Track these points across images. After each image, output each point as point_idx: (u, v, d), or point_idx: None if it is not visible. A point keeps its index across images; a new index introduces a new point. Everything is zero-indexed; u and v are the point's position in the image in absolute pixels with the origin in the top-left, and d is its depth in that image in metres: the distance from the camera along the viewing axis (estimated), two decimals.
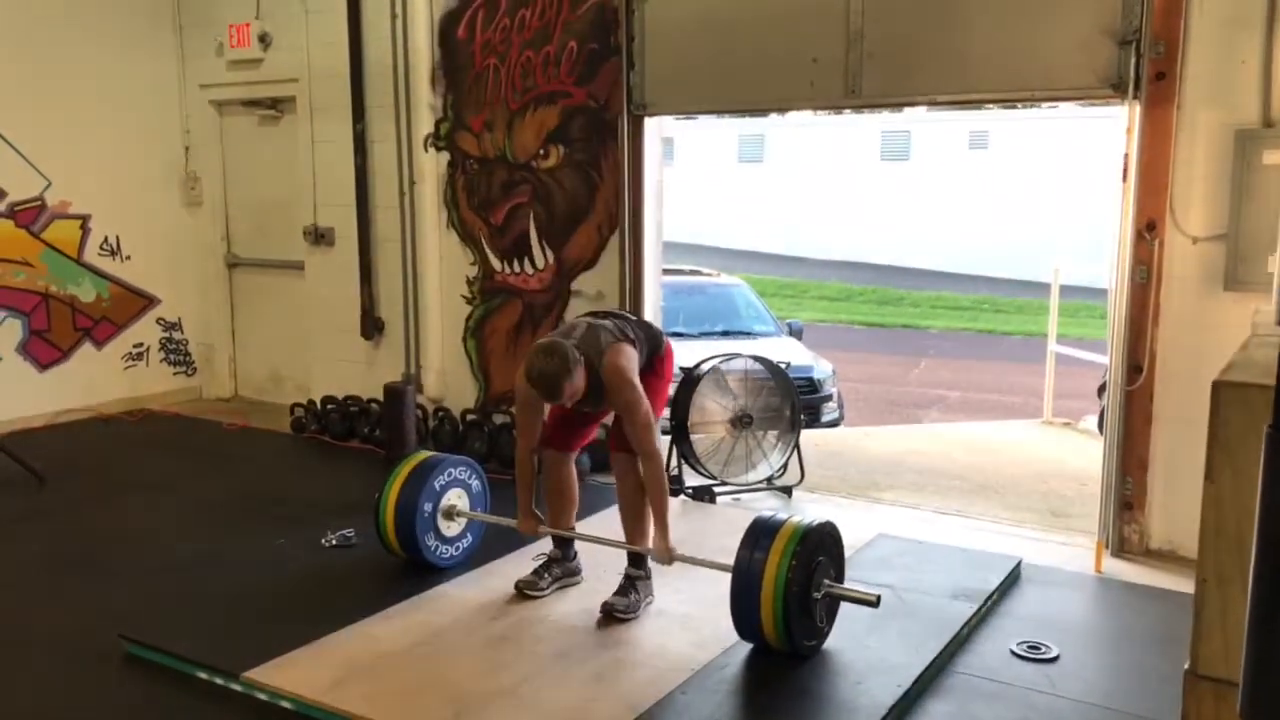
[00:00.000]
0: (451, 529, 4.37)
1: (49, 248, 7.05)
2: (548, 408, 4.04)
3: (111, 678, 3.58)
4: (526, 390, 3.84)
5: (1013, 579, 4.34)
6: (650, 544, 3.92)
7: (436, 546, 4.31)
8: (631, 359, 3.85)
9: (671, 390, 5.71)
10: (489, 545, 4.49)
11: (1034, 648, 3.71)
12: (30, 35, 6.79)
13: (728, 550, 3.60)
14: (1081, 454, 6.53)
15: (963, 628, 3.82)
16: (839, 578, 3.70)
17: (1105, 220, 4.94)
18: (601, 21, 5.80)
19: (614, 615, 3.84)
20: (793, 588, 3.40)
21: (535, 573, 4.13)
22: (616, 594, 3.93)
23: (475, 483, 4.49)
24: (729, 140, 24.94)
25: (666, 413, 5.78)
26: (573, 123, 6.00)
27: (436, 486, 4.30)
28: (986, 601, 4.05)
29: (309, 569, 4.46)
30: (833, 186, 23.36)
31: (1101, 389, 6.91)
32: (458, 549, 4.41)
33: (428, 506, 4.25)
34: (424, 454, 4.49)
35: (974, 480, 6.03)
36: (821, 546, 3.58)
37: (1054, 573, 4.49)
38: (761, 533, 3.55)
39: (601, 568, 4.25)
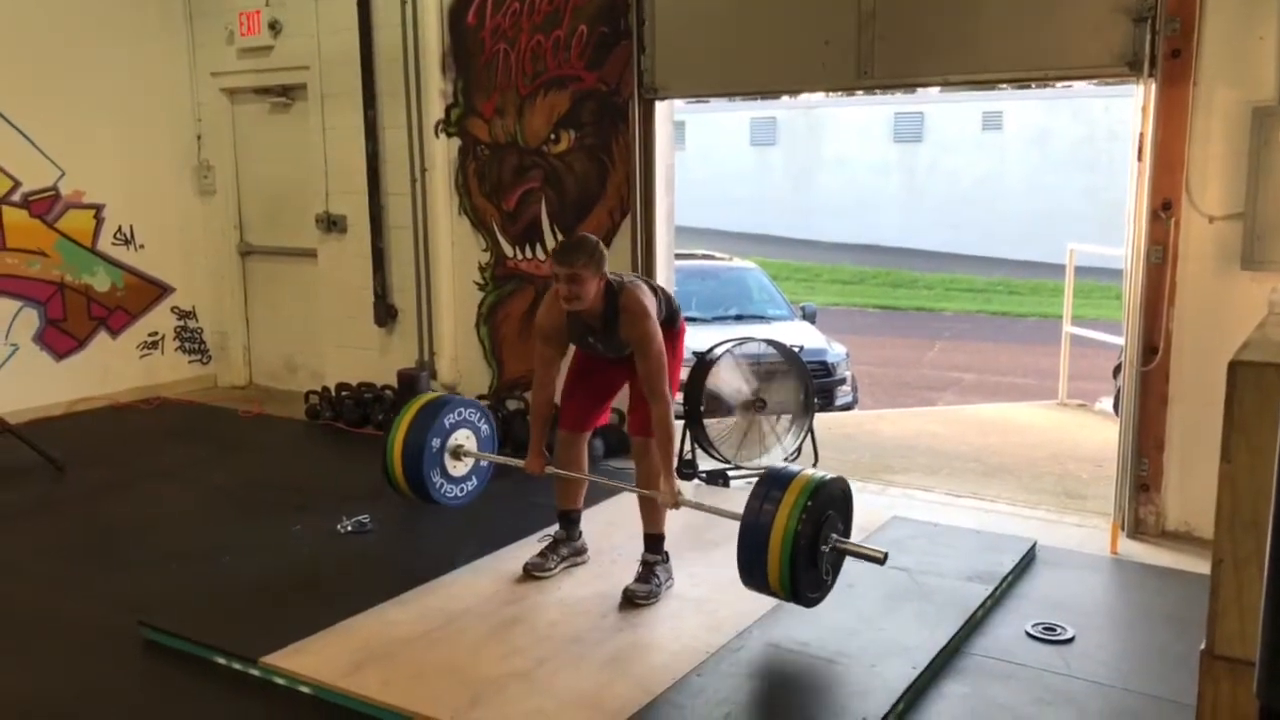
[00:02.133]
0: (458, 469, 4.40)
1: (63, 237, 7.09)
2: (571, 354, 4.10)
3: (131, 664, 3.61)
4: (546, 319, 3.94)
5: (1028, 561, 4.33)
6: (662, 495, 3.88)
7: (441, 484, 4.34)
8: (652, 301, 3.88)
9: (684, 374, 5.74)
10: (497, 532, 4.49)
11: (1049, 629, 3.70)
12: (42, 26, 6.81)
13: None
14: (1097, 435, 6.51)
15: (978, 609, 3.82)
16: (846, 533, 3.65)
17: (1121, 200, 4.90)
18: (612, 5, 5.77)
19: (635, 601, 3.85)
20: (801, 539, 3.35)
21: (542, 554, 4.16)
22: (638, 580, 3.94)
23: (484, 426, 4.49)
24: (741, 123, 24.82)
25: (680, 396, 5.81)
26: (583, 107, 5.99)
27: (446, 424, 4.32)
28: (1001, 583, 4.05)
29: (325, 555, 4.48)
30: (845, 169, 23.25)
31: (1117, 370, 6.88)
32: (462, 490, 4.43)
33: (436, 442, 4.27)
34: (434, 393, 4.51)
35: (988, 462, 6.01)
36: (832, 501, 3.52)
37: (1069, 554, 4.48)
38: (773, 483, 3.48)
39: (615, 550, 4.27)
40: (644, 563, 3.99)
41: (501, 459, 4.46)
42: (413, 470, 4.26)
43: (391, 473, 4.32)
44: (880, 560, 3.53)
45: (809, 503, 3.40)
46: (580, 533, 4.27)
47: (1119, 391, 5.68)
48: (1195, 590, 4.00)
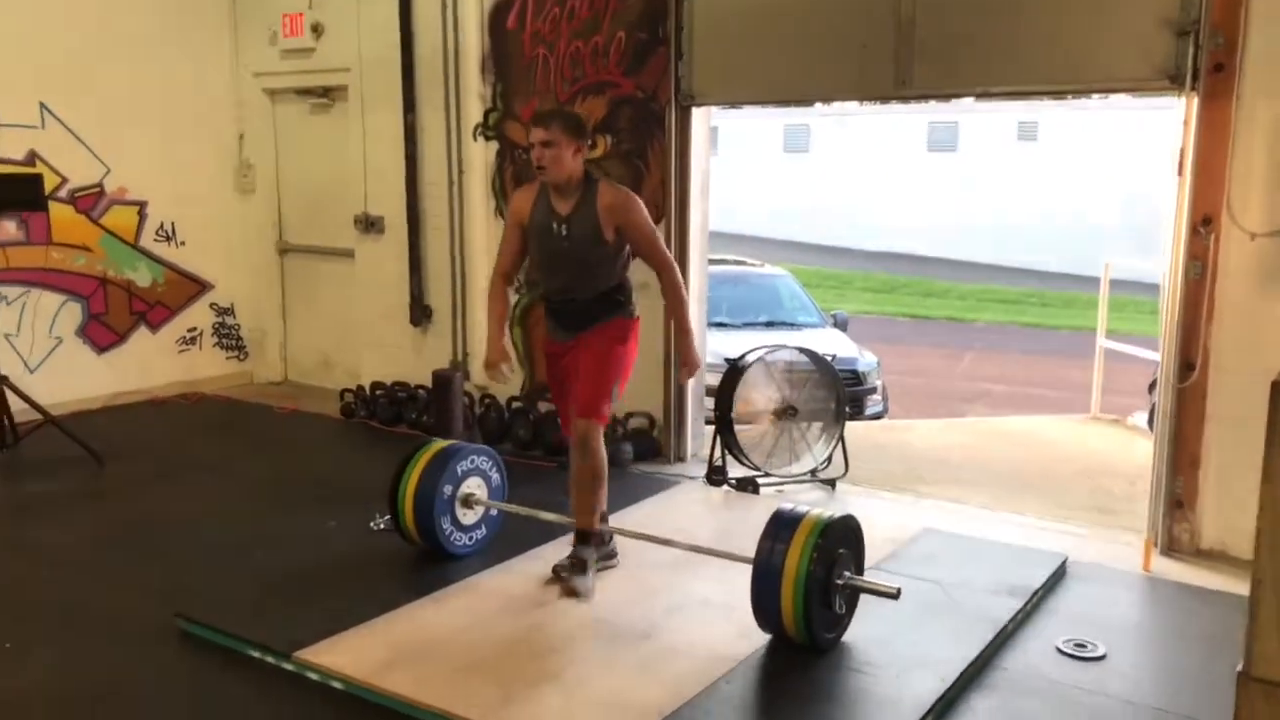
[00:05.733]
0: (468, 517, 4.38)
1: (107, 233, 7.21)
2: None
3: (166, 655, 3.67)
4: (517, 199, 4.08)
5: (1059, 576, 4.31)
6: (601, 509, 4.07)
7: (452, 532, 4.32)
8: None
9: (715, 380, 5.75)
10: (529, 532, 4.52)
11: (1080, 646, 3.68)
12: (91, 26, 6.93)
13: None
14: (1130, 451, 6.45)
15: (1008, 623, 3.80)
16: (859, 570, 3.71)
17: (1158, 214, 4.86)
18: (650, 11, 5.80)
19: (574, 593, 3.91)
20: (814, 580, 3.41)
21: (573, 566, 4.05)
22: (574, 572, 3.99)
23: (495, 475, 4.49)
24: (774, 130, 24.82)
25: (708, 404, 5.80)
26: (620, 113, 6.02)
27: (458, 471, 4.33)
28: (1032, 598, 4.03)
29: (358, 551, 4.53)
30: (878, 177, 23.17)
31: (1152, 385, 6.82)
32: (472, 539, 4.40)
33: (447, 489, 4.28)
34: (445, 441, 4.52)
35: (1020, 475, 5.98)
36: (843, 539, 3.60)
37: (1101, 570, 4.44)
38: (782, 525, 3.56)
39: (646, 552, 4.28)
40: (575, 558, 4.02)
41: (512, 508, 4.45)
42: (424, 517, 4.24)
43: (402, 520, 4.30)
44: (894, 596, 3.56)
45: (820, 541, 3.46)
46: (611, 535, 4.26)
47: (1154, 407, 5.63)
48: (1231, 610, 3.98)
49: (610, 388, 3.98)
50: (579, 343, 4.05)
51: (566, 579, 3.99)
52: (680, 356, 4.07)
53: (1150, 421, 6.40)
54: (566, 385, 4.13)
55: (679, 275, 4.05)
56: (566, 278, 4.01)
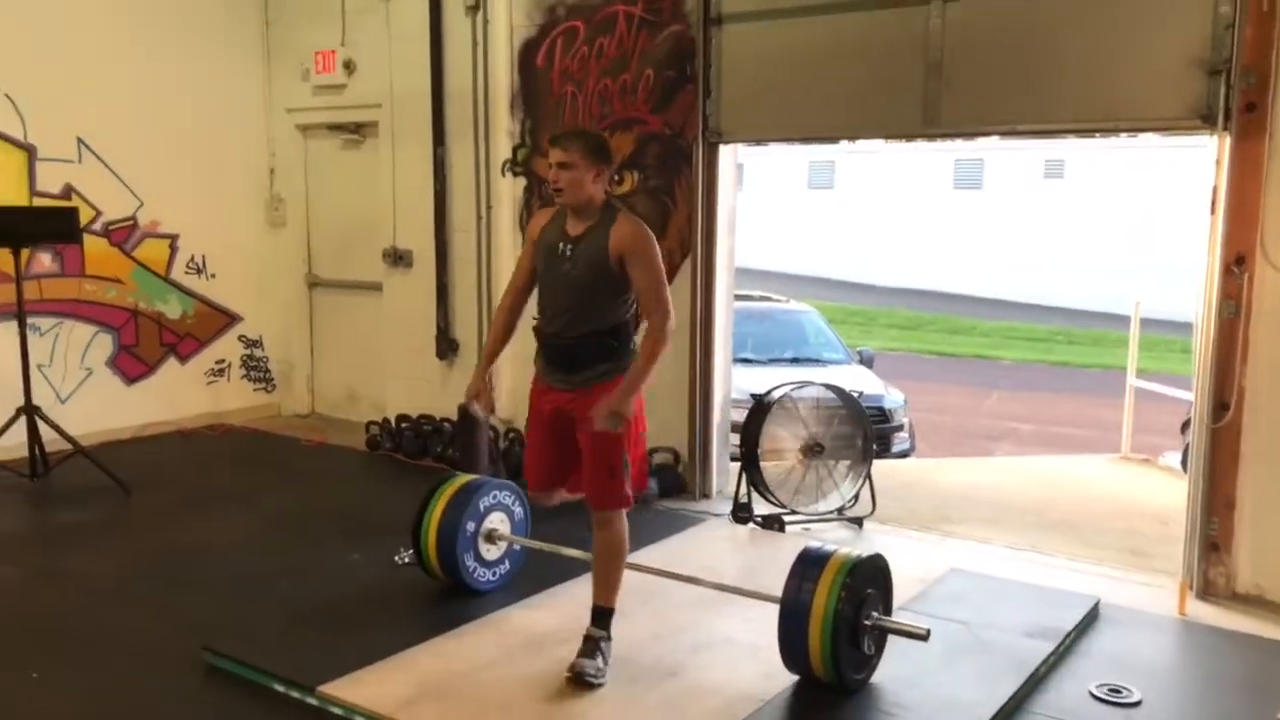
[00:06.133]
0: (491, 553, 4.36)
1: (139, 265, 7.29)
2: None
3: (193, 686, 3.66)
4: (536, 217, 3.82)
5: (1091, 618, 4.24)
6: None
7: (475, 568, 4.29)
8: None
9: (741, 416, 5.72)
10: (553, 568, 4.50)
11: (1114, 690, 3.60)
12: (127, 62, 7.05)
13: None
14: (1162, 491, 6.36)
15: (1039, 666, 3.73)
16: (888, 610, 3.66)
17: (1187, 252, 4.82)
18: (679, 50, 5.85)
19: (585, 679, 3.52)
20: (842, 620, 3.37)
21: (586, 655, 3.61)
22: (584, 655, 3.58)
23: (518, 510, 4.47)
24: (799, 166, 24.91)
25: (734, 440, 5.77)
26: (647, 149, 6.06)
27: (481, 506, 4.31)
28: (1064, 640, 3.96)
29: (382, 585, 4.52)
30: (903, 213, 23.17)
31: (1186, 425, 6.73)
32: (495, 574, 4.38)
33: (470, 524, 4.26)
34: (469, 476, 4.51)
35: (1049, 516, 5.90)
36: (871, 579, 3.56)
37: (1135, 614, 4.36)
38: (810, 563, 3.53)
39: (668, 592, 4.24)
40: (588, 637, 3.63)
41: (535, 544, 4.43)
42: (447, 552, 4.21)
43: (426, 554, 4.28)
44: (923, 637, 3.51)
45: (848, 581, 3.42)
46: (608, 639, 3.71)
47: (1187, 447, 5.55)
48: (1270, 656, 3.90)
49: (622, 470, 3.59)
50: (575, 401, 3.61)
51: (574, 663, 3.59)
52: (611, 399, 3.48)
53: (1184, 462, 6.31)
54: (545, 439, 3.75)
55: (669, 331, 3.54)
56: (564, 304, 3.62)
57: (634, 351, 3.65)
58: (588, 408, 3.53)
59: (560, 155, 3.57)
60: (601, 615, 3.68)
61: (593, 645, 3.62)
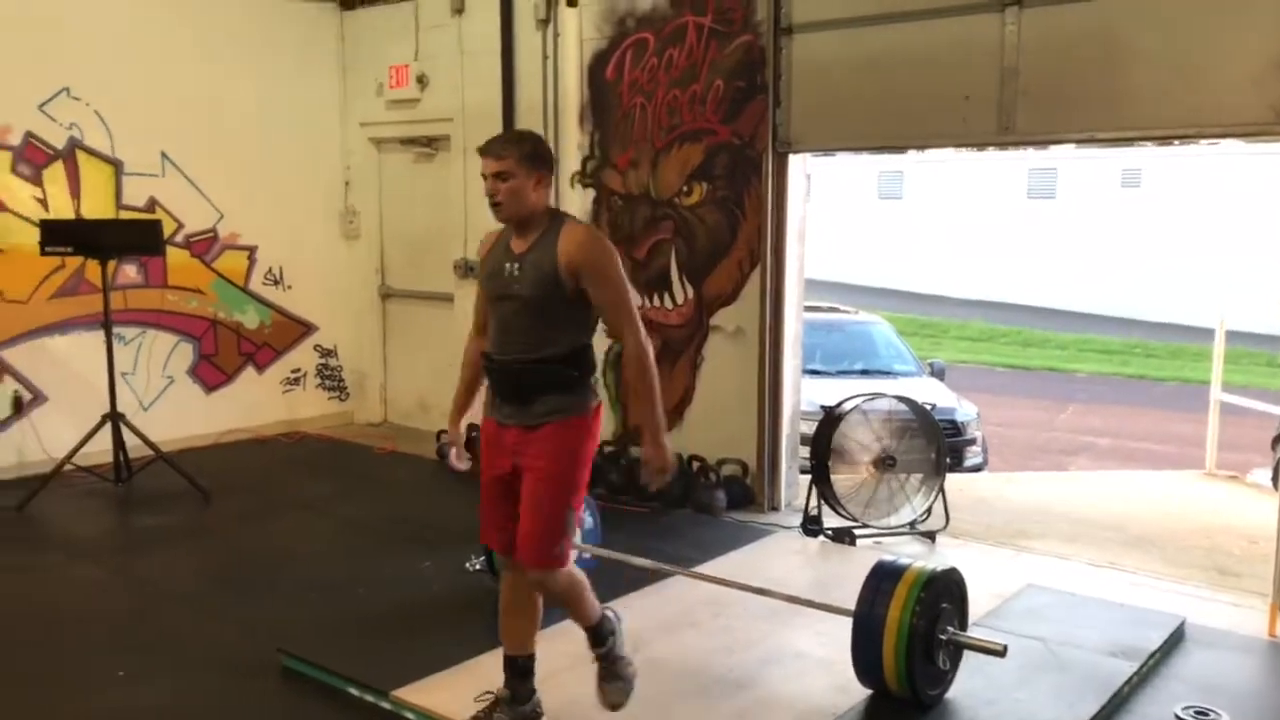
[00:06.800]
0: None
1: (219, 277, 7.49)
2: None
3: (269, 688, 3.74)
4: (481, 248, 3.38)
5: (1176, 639, 4.10)
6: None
7: None
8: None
9: (811, 428, 5.67)
10: (623, 578, 4.49)
11: (1201, 713, 3.48)
12: (205, 79, 7.25)
13: None
14: (1250, 509, 6.15)
15: (1123, 686, 3.63)
16: (963, 625, 3.59)
17: (1266, 262, 4.66)
18: (749, 60, 5.84)
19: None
20: (917, 634, 3.32)
21: (476, 716, 3.35)
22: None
23: (589, 519, 4.49)
24: (868, 176, 24.66)
25: (803, 452, 5.71)
26: (716, 159, 6.05)
27: None
28: (1148, 660, 3.84)
29: (453, 592, 4.57)
30: (975, 224, 22.79)
31: (1276, 441, 6.51)
32: None
33: None
34: None
35: (1130, 532, 5.74)
36: (946, 593, 3.50)
37: (1222, 635, 4.22)
38: (884, 576, 3.48)
39: (731, 608, 4.21)
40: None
41: (605, 552, 4.43)
42: None
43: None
44: (1000, 653, 3.42)
45: (922, 594, 3.37)
46: (534, 691, 3.39)
47: (1277, 463, 5.37)
48: None
49: (564, 522, 3.17)
50: (521, 443, 3.16)
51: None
52: (644, 454, 3.16)
53: (1274, 479, 6.11)
54: (494, 489, 3.29)
55: (649, 350, 3.15)
56: (516, 327, 3.17)
57: (592, 388, 3.24)
58: (537, 451, 3.13)
59: (494, 165, 3.14)
60: (595, 632, 3.40)
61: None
